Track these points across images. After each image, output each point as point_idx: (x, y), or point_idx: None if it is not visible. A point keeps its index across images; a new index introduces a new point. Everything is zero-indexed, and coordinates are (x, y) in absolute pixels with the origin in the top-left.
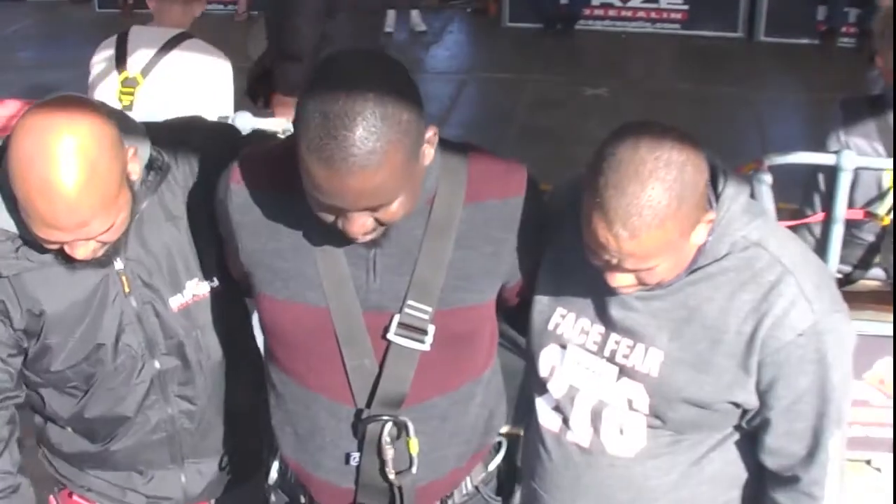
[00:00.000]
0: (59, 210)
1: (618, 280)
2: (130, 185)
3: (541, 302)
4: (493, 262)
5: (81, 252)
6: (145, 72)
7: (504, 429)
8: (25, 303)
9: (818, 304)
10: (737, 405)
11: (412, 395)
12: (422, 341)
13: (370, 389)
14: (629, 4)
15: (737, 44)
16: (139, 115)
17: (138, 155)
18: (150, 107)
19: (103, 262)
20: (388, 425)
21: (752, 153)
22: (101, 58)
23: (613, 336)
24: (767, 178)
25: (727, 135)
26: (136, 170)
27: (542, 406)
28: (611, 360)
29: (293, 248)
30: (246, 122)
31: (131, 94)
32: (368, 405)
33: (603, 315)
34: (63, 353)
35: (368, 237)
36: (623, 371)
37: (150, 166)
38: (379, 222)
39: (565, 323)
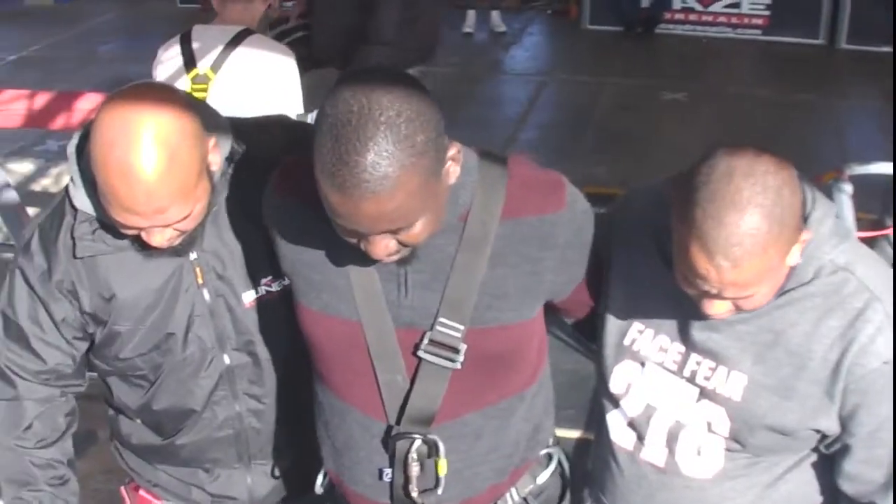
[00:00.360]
0: (137, 195)
1: (715, 308)
2: (210, 176)
3: (615, 315)
4: (531, 280)
5: (158, 239)
6: (216, 67)
7: (576, 433)
8: (96, 286)
9: None
10: (818, 431)
11: (443, 413)
12: (453, 360)
13: (401, 405)
14: (710, 9)
15: (818, 51)
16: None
17: (219, 146)
18: (225, 101)
19: (179, 251)
20: (417, 443)
21: (831, 162)
22: (166, 57)
23: (694, 356)
24: (848, 188)
25: (806, 143)
26: (216, 161)
27: (614, 421)
28: (691, 380)
29: (326, 260)
30: None
31: (204, 90)
32: (399, 422)
33: (683, 334)
34: (133, 340)
35: (394, 258)
36: (704, 393)
37: (230, 159)
38: (402, 244)
39: (643, 339)
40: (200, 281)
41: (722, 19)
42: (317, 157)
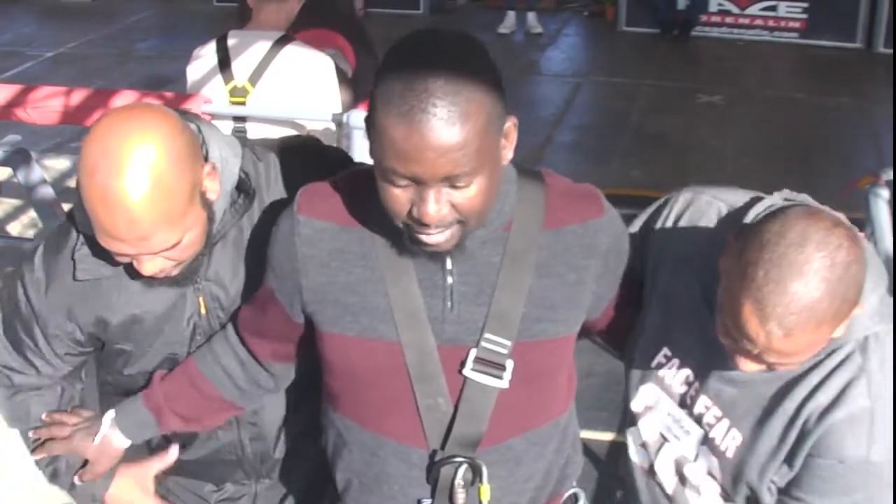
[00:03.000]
0: (118, 221)
1: (748, 366)
2: (206, 204)
3: (648, 336)
4: (577, 290)
5: (148, 268)
6: (253, 80)
7: (609, 436)
8: (96, 307)
9: (878, 446)
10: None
11: (489, 436)
12: (500, 377)
13: (444, 430)
14: (747, 12)
15: (855, 54)
16: (251, 123)
17: (222, 173)
18: (262, 110)
19: (179, 282)
20: (463, 468)
21: (867, 166)
22: (200, 65)
23: (704, 399)
24: (884, 193)
25: (843, 147)
26: (213, 188)
27: (631, 440)
28: (698, 421)
29: (363, 280)
30: (360, 120)
31: (242, 102)
32: (442, 447)
33: (702, 374)
34: (139, 360)
35: (441, 236)
36: (706, 438)
37: (240, 188)
38: (456, 211)
39: (668, 368)
40: (203, 311)
41: (759, 22)
42: (381, 91)
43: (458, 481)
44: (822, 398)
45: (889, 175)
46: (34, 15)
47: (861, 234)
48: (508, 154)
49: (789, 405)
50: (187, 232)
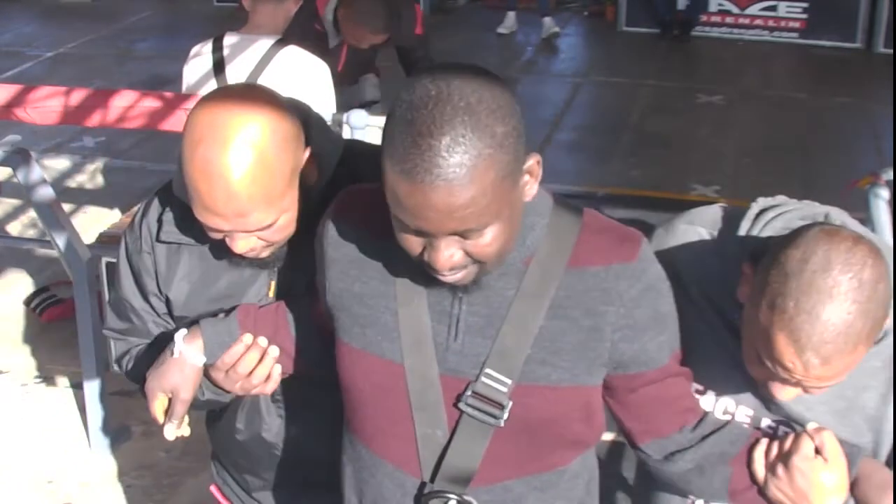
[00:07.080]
0: (217, 195)
1: (785, 394)
2: (306, 189)
3: None
4: (592, 337)
5: (241, 245)
6: None
7: (609, 436)
8: (173, 273)
9: None
10: None
11: (482, 475)
12: (496, 416)
13: (437, 461)
14: (747, 12)
15: (855, 55)
16: None
17: (321, 163)
18: None
19: (266, 264)
20: (452, 503)
21: (867, 166)
22: (196, 67)
23: (766, 420)
24: (885, 193)
25: (843, 147)
26: (313, 174)
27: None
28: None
29: (376, 294)
30: (360, 121)
31: None
32: (433, 479)
33: (751, 396)
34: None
35: (457, 275)
36: None
37: (332, 182)
38: (470, 257)
39: (704, 403)
40: (271, 294)
41: (759, 22)
42: (386, 143)
43: None
44: None
45: (889, 175)
46: (34, 15)
47: (873, 239)
48: (532, 190)
49: (866, 398)
50: (283, 213)
